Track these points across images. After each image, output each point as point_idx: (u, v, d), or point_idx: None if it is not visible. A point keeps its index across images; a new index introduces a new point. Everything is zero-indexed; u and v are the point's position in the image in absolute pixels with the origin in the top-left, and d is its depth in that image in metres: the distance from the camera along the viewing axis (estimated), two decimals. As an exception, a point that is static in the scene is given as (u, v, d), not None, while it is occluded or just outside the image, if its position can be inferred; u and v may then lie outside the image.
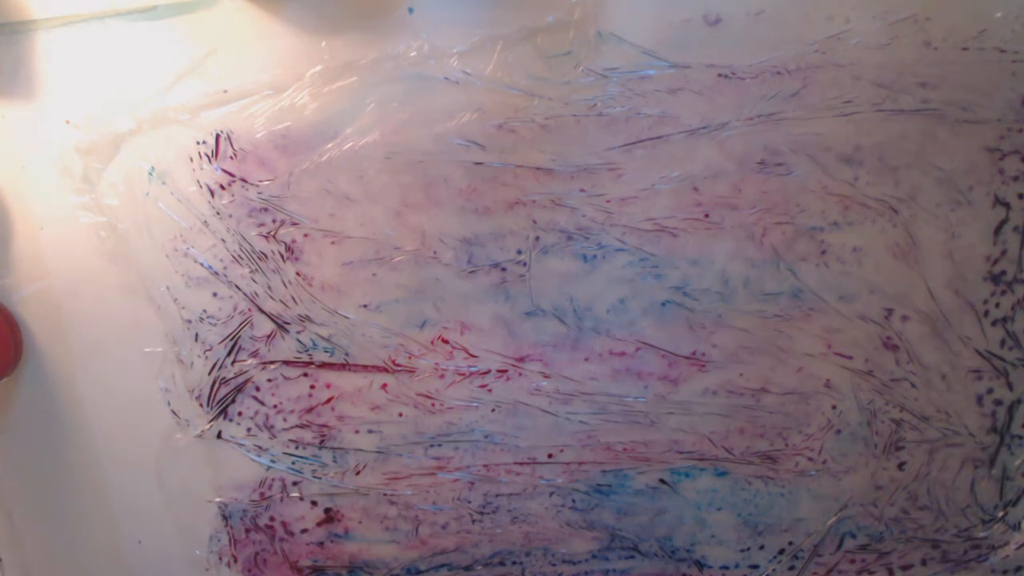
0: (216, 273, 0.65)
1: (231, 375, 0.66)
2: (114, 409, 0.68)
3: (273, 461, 0.67)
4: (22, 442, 0.70)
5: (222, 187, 0.63)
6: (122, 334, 0.66)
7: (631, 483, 0.65)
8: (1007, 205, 0.58)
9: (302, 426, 0.66)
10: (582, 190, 0.60)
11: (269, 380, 0.66)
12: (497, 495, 0.66)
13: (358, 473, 0.67)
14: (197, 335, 0.66)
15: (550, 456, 0.65)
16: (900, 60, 0.56)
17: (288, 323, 0.65)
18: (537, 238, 0.62)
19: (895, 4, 0.56)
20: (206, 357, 0.66)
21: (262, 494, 0.68)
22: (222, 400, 0.67)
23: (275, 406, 0.66)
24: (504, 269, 0.62)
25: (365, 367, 0.65)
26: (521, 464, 0.65)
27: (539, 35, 0.58)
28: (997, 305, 0.59)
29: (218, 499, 0.68)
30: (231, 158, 0.63)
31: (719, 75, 0.58)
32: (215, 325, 0.65)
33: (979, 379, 0.60)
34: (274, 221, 0.63)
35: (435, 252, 0.62)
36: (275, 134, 0.62)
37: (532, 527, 0.66)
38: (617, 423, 0.64)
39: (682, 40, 0.57)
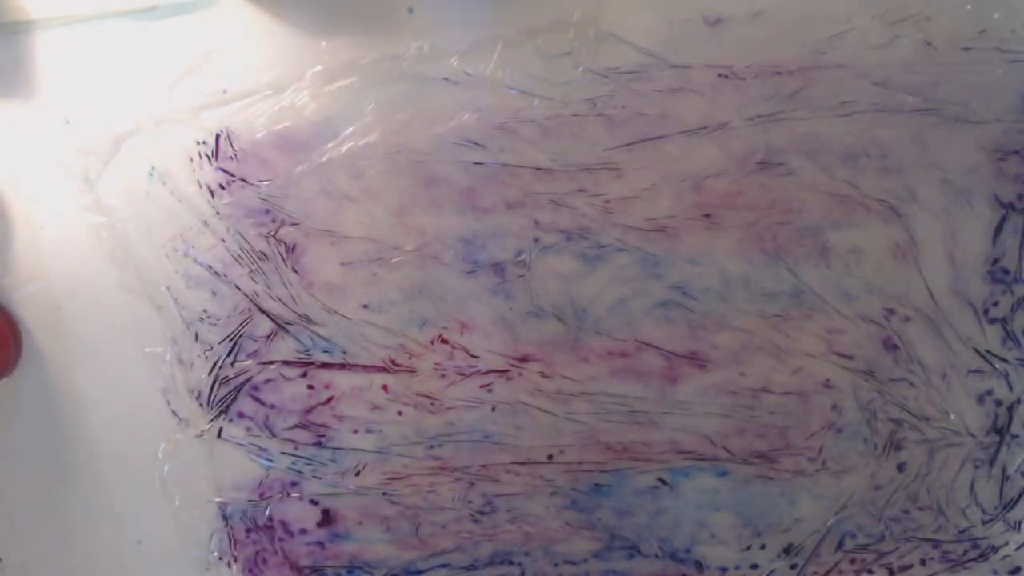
0: (216, 273, 0.65)
1: (231, 375, 0.66)
2: (114, 409, 0.68)
3: (272, 461, 0.67)
4: (22, 442, 0.70)
5: (222, 187, 0.63)
6: (122, 334, 0.66)
7: (631, 483, 0.65)
8: (1007, 205, 0.58)
9: (302, 426, 0.66)
10: (582, 190, 0.60)
11: (268, 380, 0.66)
12: (497, 495, 0.66)
13: (358, 473, 0.67)
14: (197, 335, 0.66)
15: (550, 456, 0.65)
16: (900, 60, 0.56)
17: (288, 323, 0.65)
18: (537, 238, 0.62)
19: (895, 4, 0.56)
20: (206, 357, 0.66)
21: (262, 494, 0.68)
22: (222, 400, 0.67)
23: (274, 406, 0.66)
24: (504, 269, 0.62)
25: (365, 367, 0.65)
26: (521, 464, 0.65)
27: (539, 35, 0.58)
28: (996, 304, 0.59)
29: (218, 499, 0.68)
30: (231, 158, 0.63)
31: (719, 75, 0.58)
32: (215, 325, 0.65)
33: (979, 379, 0.60)
34: (274, 221, 0.63)
35: (435, 252, 0.62)
36: (275, 134, 0.62)
37: (532, 527, 0.66)
38: (617, 423, 0.64)
39: (682, 40, 0.57)
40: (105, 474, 0.69)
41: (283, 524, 0.68)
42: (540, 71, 0.59)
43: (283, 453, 0.67)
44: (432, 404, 0.65)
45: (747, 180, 0.59)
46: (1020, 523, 0.63)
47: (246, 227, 0.64)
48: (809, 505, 0.64)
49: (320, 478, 0.67)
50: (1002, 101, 0.56)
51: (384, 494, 0.67)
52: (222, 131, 0.62)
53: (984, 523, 0.63)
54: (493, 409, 0.65)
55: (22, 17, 0.62)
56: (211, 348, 0.66)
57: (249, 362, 0.66)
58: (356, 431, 0.66)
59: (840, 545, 0.64)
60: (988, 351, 0.60)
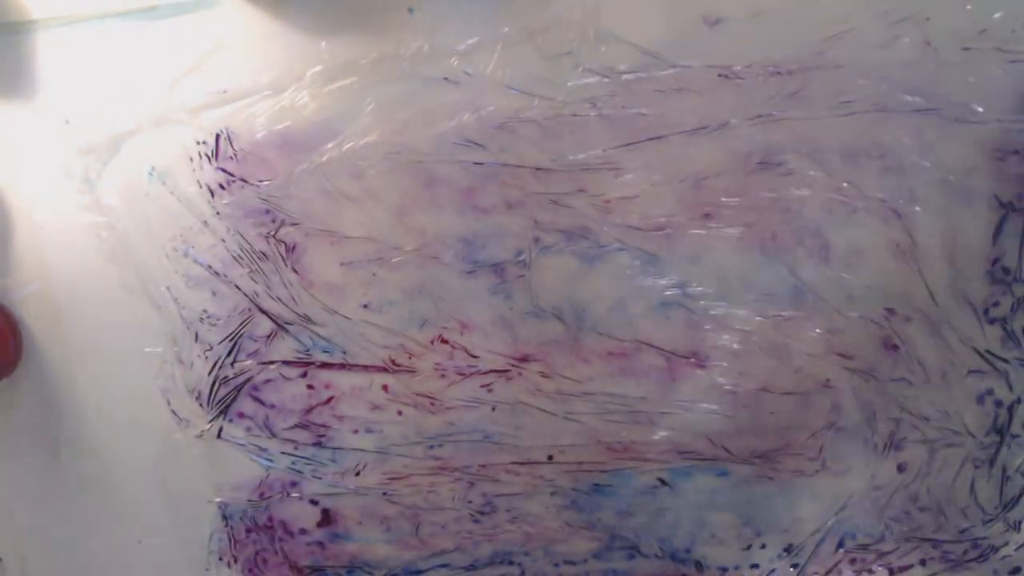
0: (216, 273, 0.65)
1: (231, 375, 0.66)
2: (114, 409, 0.68)
3: (272, 461, 0.67)
4: (22, 442, 0.70)
5: (222, 187, 0.63)
6: (122, 334, 0.66)
7: (631, 483, 0.65)
8: (1007, 205, 0.58)
9: (302, 426, 0.66)
10: (582, 190, 0.60)
11: (268, 380, 0.66)
12: (497, 495, 0.66)
13: (358, 473, 0.67)
14: (197, 335, 0.66)
15: (550, 456, 0.65)
16: (900, 60, 0.56)
17: (288, 323, 0.65)
18: (537, 238, 0.62)
19: (895, 4, 0.56)
20: (206, 357, 0.66)
21: (262, 494, 0.68)
22: (222, 400, 0.67)
23: (274, 406, 0.66)
24: (504, 269, 0.62)
25: (365, 367, 0.65)
26: (521, 464, 0.65)
27: (539, 35, 0.58)
28: (996, 304, 0.59)
29: (218, 499, 0.68)
30: (231, 158, 0.63)
31: (719, 75, 0.58)
32: (215, 325, 0.65)
33: (979, 379, 0.60)
34: (274, 221, 0.63)
35: (435, 252, 0.62)
36: (275, 134, 0.62)
37: (532, 527, 0.66)
38: (617, 423, 0.64)
39: (682, 40, 0.57)
40: (105, 474, 0.69)
41: (283, 524, 0.68)
42: (540, 71, 0.59)
43: (283, 453, 0.67)
44: (432, 404, 0.65)
45: (747, 180, 0.59)
46: (1020, 523, 0.63)
47: (246, 227, 0.64)
48: (809, 505, 0.64)
49: (320, 478, 0.67)
50: (1002, 101, 0.56)
51: (384, 494, 0.67)
52: (222, 131, 0.62)
53: (984, 523, 0.63)
54: (493, 409, 0.65)
55: (23, 17, 0.62)
56: (211, 348, 0.66)
57: (249, 362, 0.66)
58: (356, 431, 0.66)
59: (840, 545, 0.64)
60: (988, 351, 0.60)
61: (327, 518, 0.68)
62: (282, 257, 0.64)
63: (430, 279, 0.63)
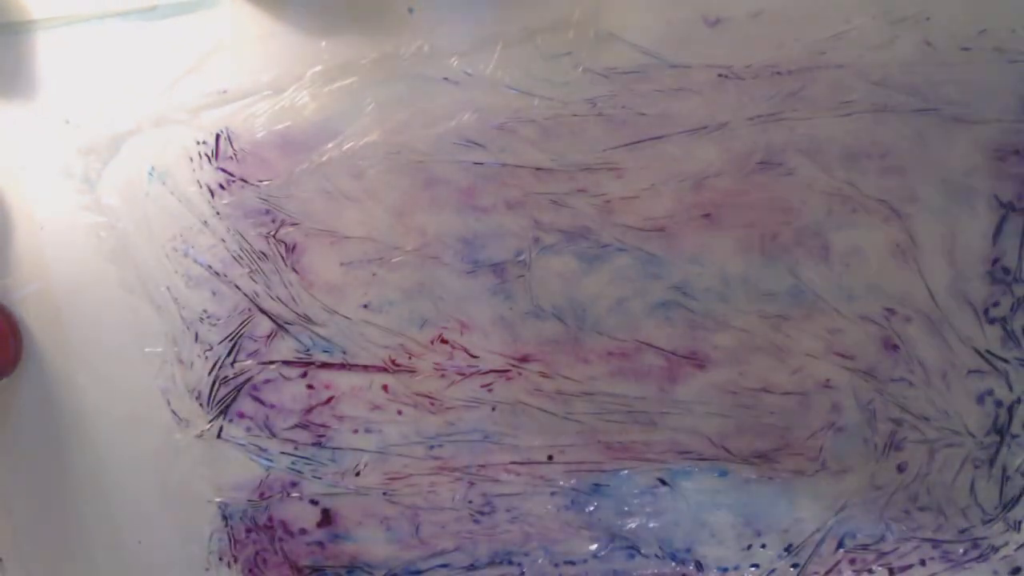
0: (216, 273, 0.65)
1: (231, 375, 0.66)
2: (114, 409, 0.68)
3: (272, 461, 0.67)
4: (22, 442, 0.70)
5: (222, 187, 0.63)
6: (122, 334, 0.66)
7: (631, 483, 0.65)
8: (1007, 205, 0.58)
9: (302, 426, 0.66)
10: (582, 190, 0.60)
11: (268, 380, 0.66)
12: (497, 495, 0.66)
13: (358, 473, 0.67)
14: (197, 335, 0.66)
15: (550, 456, 0.65)
16: (900, 60, 0.56)
17: (288, 323, 0.65)
18: (537, 238, 0.62)
19: (895, 4, 0.56)
20: (206, 357, 0.66)
21: (262, 494, 0.68)
22: (222, 400, 0.67)
23: (274, 406, 0.66)
24: (504, 269, 0.62)
25: (365, 367, 0.65)
26: (521, 464, 0.65)
27: (539, 35, 0.58)
28: (996, 304, 0.59)
29: (218, 499, 0.68)
30: (231, 158, 0.63)
31: (719, 75, 0.58)
32: (215, 325, 0.65)
33: (979, 379, 0.60)
34: (274, 221, 0.63)
35: (435, 252, 0.62)
36: (275, 134, 0.62)
37: (532, 527, 0.66)
38: (617, 423, 0.64)
39: (682, 40, 0.57)
40: (105, 474, 0.69)
41: (283, 524, 0.68)
42: (540, 71, 0.59)
43: (283, 453, 0.67)
44: (432, 404, 0.65)
45: (747, 180, 0.59)
46: (1020, 523, 0.63)
47: (246, 227, 0.64)
48: (809, 505, 0.64)
49: (320, 478, 0.67)
50: (1002, 101, 0.56)
51: (384, 494, 0.67)
52: (222, 131, 0.62)
53: (984, 523, 0.63)
54: (493, 409, 0.65)
55: (23, 17, 0.62)
56: (211, 348, 0.66)
57: (249, 362, 0.66)
58: (356, 431, 0.66)
59: (840, 545, 0.64)
60: (988, 351, 0.60)
61: (327, 518, 0.68)
62: (282, 257, 0.64)
63: (430, 279, 0.63)
